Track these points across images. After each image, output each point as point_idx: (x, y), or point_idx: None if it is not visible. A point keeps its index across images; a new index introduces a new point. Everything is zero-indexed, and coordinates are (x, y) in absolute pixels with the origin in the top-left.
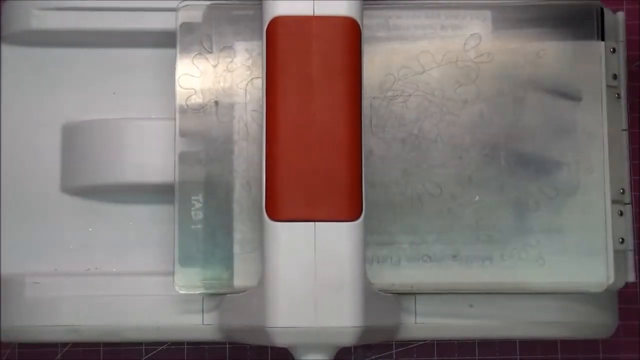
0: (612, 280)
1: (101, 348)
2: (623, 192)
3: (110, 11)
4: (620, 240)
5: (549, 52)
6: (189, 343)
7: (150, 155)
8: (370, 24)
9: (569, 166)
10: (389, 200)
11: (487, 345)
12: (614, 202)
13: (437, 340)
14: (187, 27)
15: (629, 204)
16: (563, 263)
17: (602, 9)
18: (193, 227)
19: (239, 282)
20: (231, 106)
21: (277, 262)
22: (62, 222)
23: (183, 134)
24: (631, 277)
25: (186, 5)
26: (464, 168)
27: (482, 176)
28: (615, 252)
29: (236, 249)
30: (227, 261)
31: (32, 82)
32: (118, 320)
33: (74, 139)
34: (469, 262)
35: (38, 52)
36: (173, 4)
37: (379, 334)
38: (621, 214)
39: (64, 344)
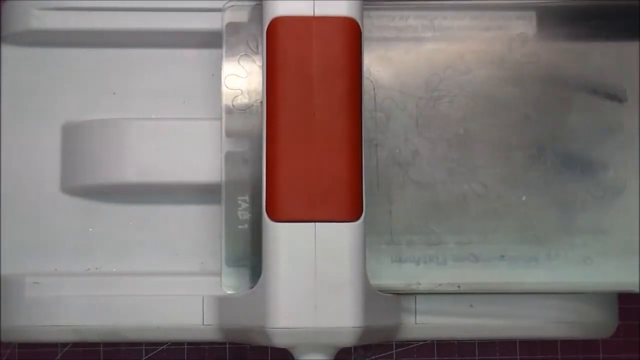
0: None
1: (101, 348)
2: None
3: (110, 11)
4: None
5: (594, 52)
6: (189, 343)
7: (151, 155)
8: (416, 24)
9: (615, 166)
10: (435, 200)
11: (487, 345)
12: None
13: (437, 340)
14: (233, 27)
15: None
16: (610, 263)
17: None
18: (240, 227)
19: None
20: None
21: (277, 263)
22: (62, 222)
23: (229, 134)
24: None
25: (232, 6)
26: (510, 168)
27: (528, 176)
28: None
29: None
30: None
31: (31, 82)
32: (118, 320)
33: (73, 139)
34: (515, 262)
35: (38, 52)
36: (173, 4)
37: (379, 334)
38: None
39: (64, 344)
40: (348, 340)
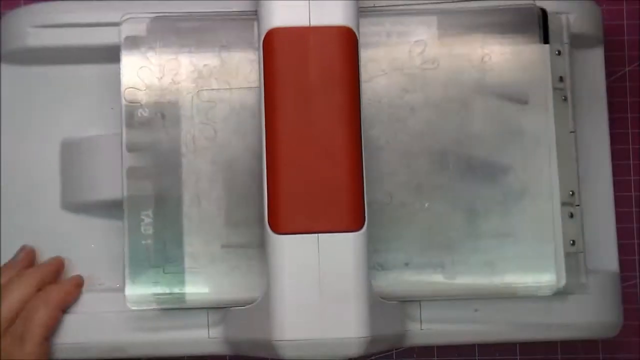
0: (563, 282)
1: None
2: (573, 194)
3: (108, 26)
4: (571, 242)
5: (494, 57)
6: (195, 357)
7: None
8: None
9: (517, 170)
10: None
11: (488, 346)
12: (563, 204)
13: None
14: (132, 40)
15: (579, 205)
16: (514, 267)
17: (545, 13)
18: (143, 242)
19: (190, 296)
20: (178, 119)
21: (282, 275)
22: (63, 239)
23: (130, 148)
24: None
25: (129, 19)
26: (413, 175)
27: (431, 183)
28: (567, 254)
29: (187, 262)
30: (179, 275)
31: (30, 100)
32: (123, 336)
33: (72, 155)
34: (422, 269)
35: (36, 70)
36: None
37: (386, 342)
38: (571, 215)
39: None
40: (355, 351)
